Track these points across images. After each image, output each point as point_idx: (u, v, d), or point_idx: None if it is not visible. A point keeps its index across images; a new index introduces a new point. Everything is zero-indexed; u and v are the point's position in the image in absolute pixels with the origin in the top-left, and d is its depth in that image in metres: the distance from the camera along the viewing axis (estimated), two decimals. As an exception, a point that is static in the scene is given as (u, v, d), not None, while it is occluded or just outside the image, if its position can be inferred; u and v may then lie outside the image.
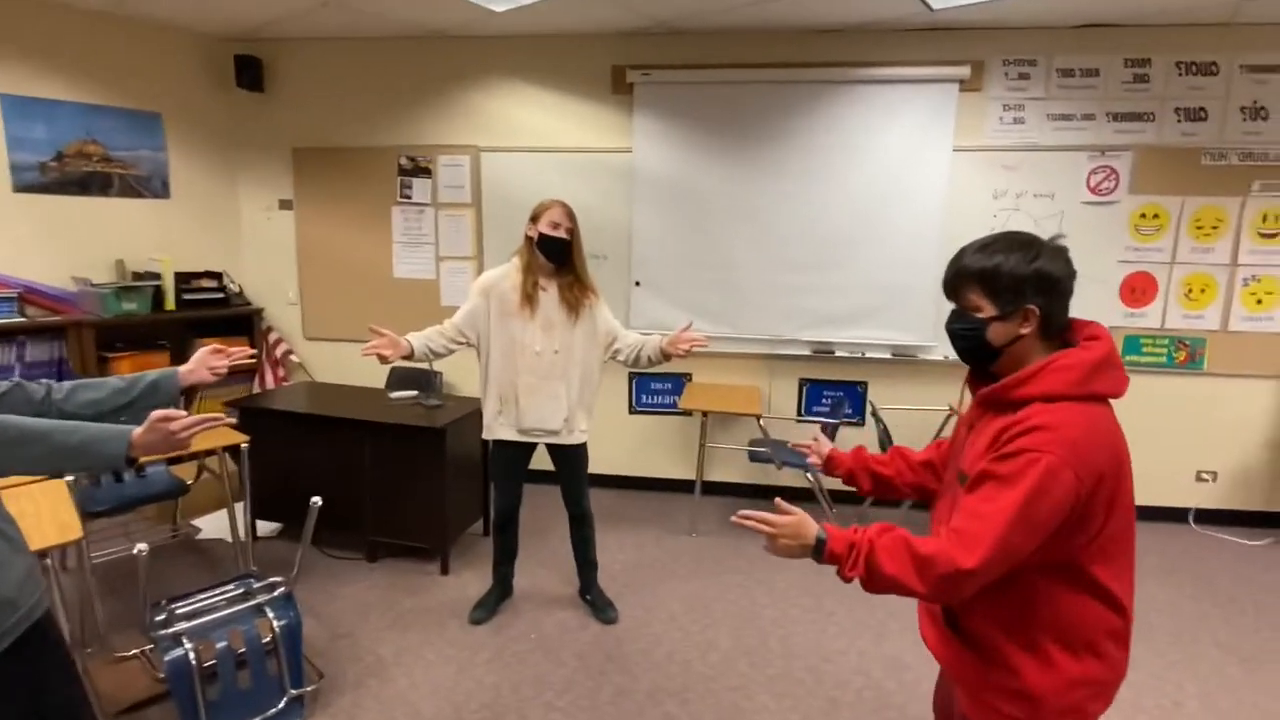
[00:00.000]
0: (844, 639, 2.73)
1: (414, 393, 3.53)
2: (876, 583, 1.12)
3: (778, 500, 1.22)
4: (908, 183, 3.66)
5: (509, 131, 3.99)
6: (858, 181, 3.71)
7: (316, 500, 2.17)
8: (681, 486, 4.10)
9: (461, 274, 4.18)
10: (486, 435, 2.62)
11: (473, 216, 4.11)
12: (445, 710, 2.28)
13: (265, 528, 3.54)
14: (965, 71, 3.54)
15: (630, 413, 4.18)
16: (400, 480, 3.17)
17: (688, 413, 4.00)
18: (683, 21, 3.56)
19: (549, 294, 2.50)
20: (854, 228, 3.74)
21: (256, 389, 4.18)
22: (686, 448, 4.12)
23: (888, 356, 3.85)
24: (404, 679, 2.44)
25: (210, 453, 2.96)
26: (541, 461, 2.70)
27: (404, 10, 3.50)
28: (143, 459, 1.22)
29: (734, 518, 1.22)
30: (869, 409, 3.90)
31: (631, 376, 4.12)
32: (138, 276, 3.75)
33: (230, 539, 3.13)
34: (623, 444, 4.18)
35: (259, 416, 3.32)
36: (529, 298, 2.48)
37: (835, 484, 4.03)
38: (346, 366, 4.30)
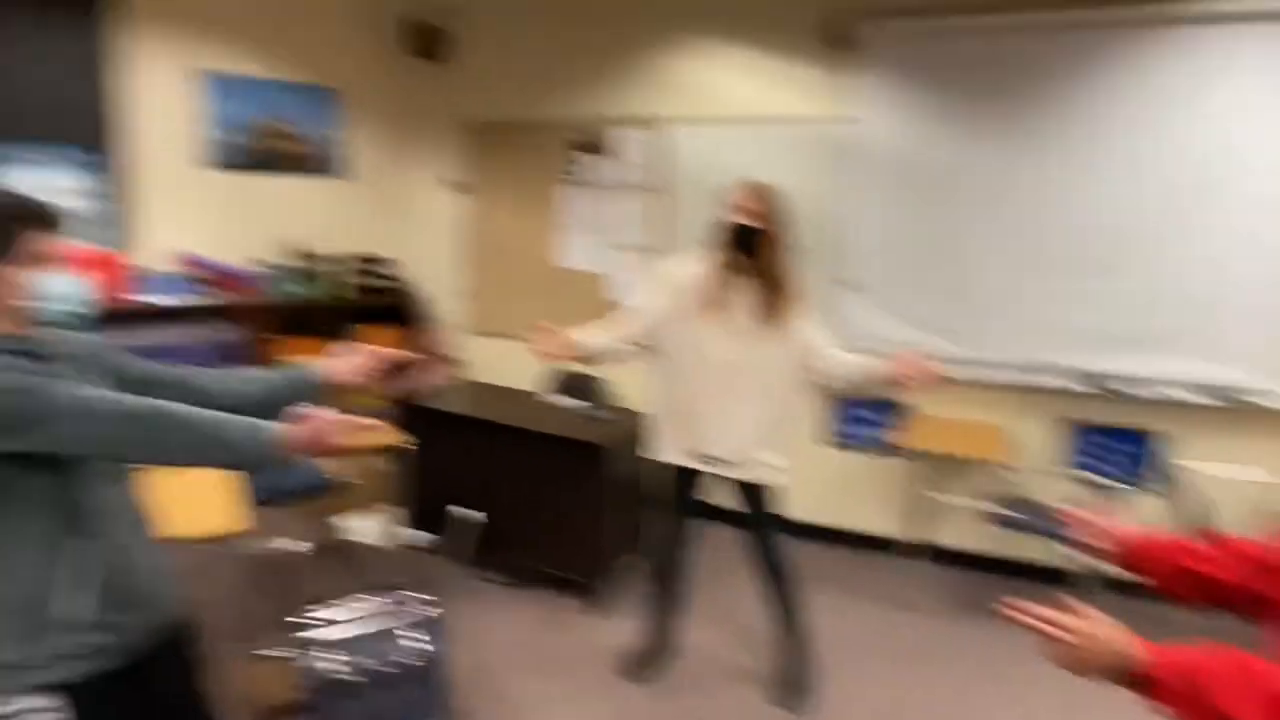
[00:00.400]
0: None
1: (575, 400, 3.69)
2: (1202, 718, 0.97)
3: (1068, 599, 1.10)
4: (1245, 159, 3.17)
5: (700, 99, 4.05)
6: (1168, 157, 3.27)
7: (473, 516, 2.34)
8: (888, 546, 3.88)
9: (634, 266, 4.31)
10: (654, 455, 2.65)
11: (648, 199, 4.23)
12: (591, 777, 2.34)
13: (419, 538, 3.88)
14: (1349, 1, 3.00)
15: (826, 444, 4.04)
16: (555, 499, 3.32)
17: (905, 452, 3.78)
18: (929, -44, 3.39)
19: (741, 294, 2.48)
20: (1157, 219, 3.31)
21: (416, 385, 4.61)
22: (899, 497, 3.90)
23: (1200, 400, 3.35)
24: (548, 730, 2.54)
25: (370, 450, 3.31)
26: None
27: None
28: (289, 457, 1.36)
29: (1004, 609, 1.10)
30: (1168, 471, 3.42)
31: (832, 398, 3.99)
32: (309, 259, 4.32)
33: (380, 545, 3.47)
34: (815, 483, 4.05)
35: (417, 416, 3.65)
36: (715, 297, 2.48)
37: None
38: (508, 366, 4.59)
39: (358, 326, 4.49)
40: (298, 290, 4.15)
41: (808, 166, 3.82)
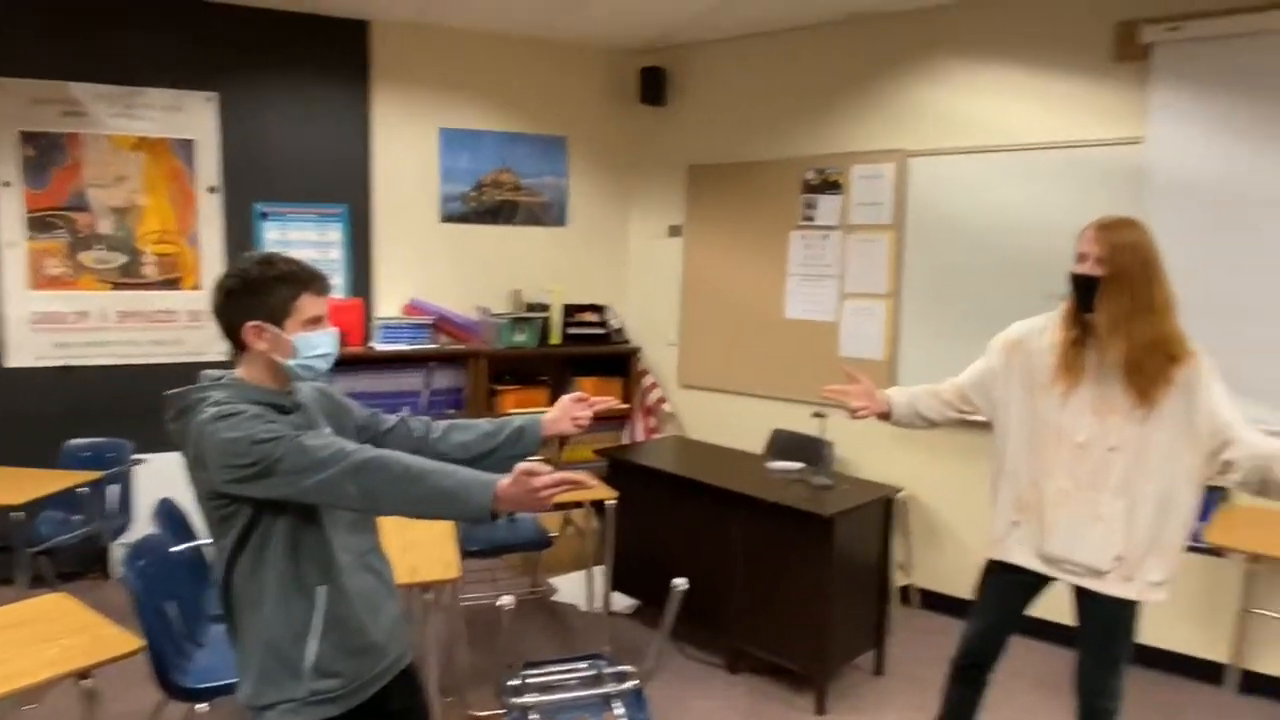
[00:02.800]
0: None
1: (799, 465, 3.60)
2: None
3: None
4: None
5: (949, 129, 3.89)
6: None
7: (680, 583, 2.33)
8: (1201, 671, 3.36)
9: (869, 316, 4.17)
10: (992, 553, 2.40)
11: (891, 241, 4.09)
12: None
13: (621, 602, 3.97)
14: None
15: (1112, 535, 3.59)
16: (775, 576, 3.23)
17: (1219, 553, 3.26)
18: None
19: (1107, 360, 2.16)
20: None
21: (626, 438, 4.77)
22: (1214, 610, 3.35)
23: None
24: (759, 841, 2.43)
25: (578, 505, 3.45)
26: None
27: (828, -9, 3.71)
28: (507, 511, 1.43)
29: None
30: None
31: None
32: (530, 307, 4.66)
33: (584, 607, 3.58)
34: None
35: (626, 471, 3.76)
36: (1069, 365, 2.21)
37: None
38: (720, 422, 4.63)
39: (574, 377, 4.77)
40: (520, 338, 4.47)
41: (1083, 198, 3.50)
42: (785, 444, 4.13)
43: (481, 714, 2.92)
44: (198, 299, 4.17)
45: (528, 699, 2.34)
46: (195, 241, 4.22)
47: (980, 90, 3.82)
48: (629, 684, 2.41)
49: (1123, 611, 2.22)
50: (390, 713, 1.70)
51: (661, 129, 4.87)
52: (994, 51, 3.76)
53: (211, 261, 4.21)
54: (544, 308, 4.64)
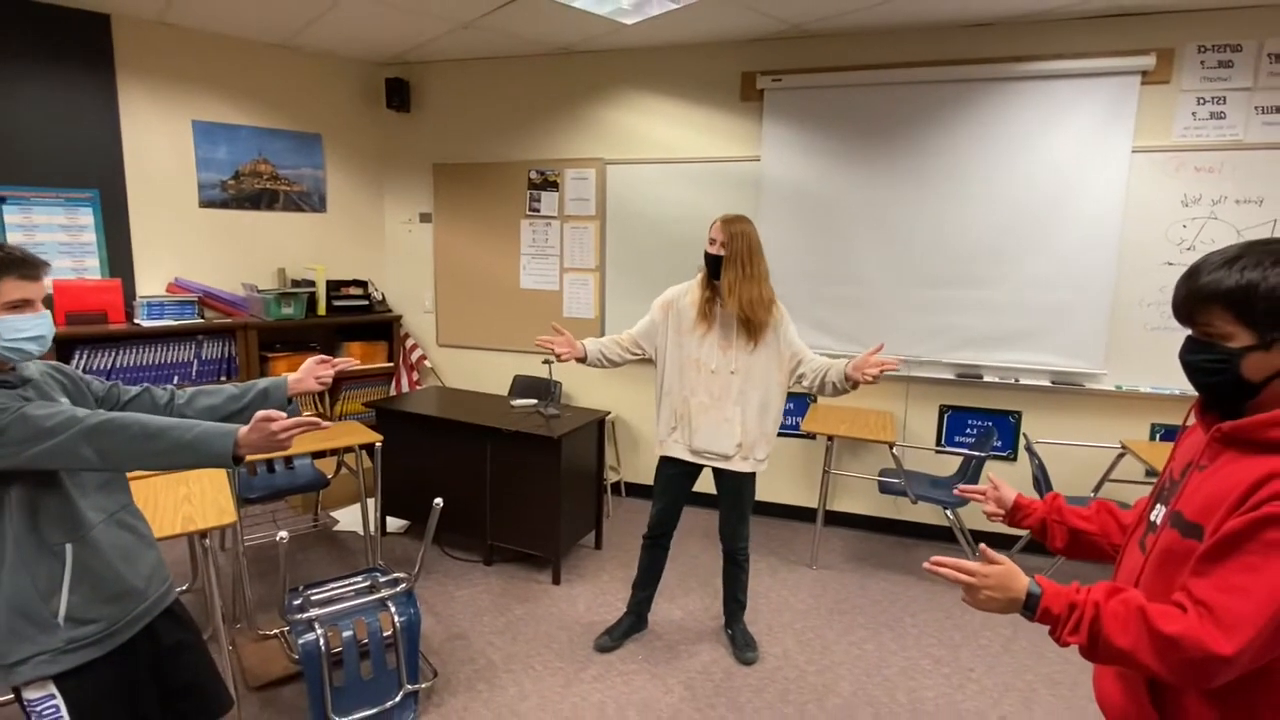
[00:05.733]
0: (983, 700, 2.50)
1: (534, 401, 3.68)
2: (1101, 654, 1.01)
3: (983, 547, 1.15)
4: (1075, 190, 3.34)
5: (635, 143, 4.09)
6: (1014, 189, 3.43)
7: (439, 501, 2.31)
8: (802, 514, 3.96)
9: (583, 286, 4.32)
10: (659, 451, 2.62)
11: (596, 229, 4.24)
12: (550, 723, 2.33)
13: (394, 524, 3.82)
14: (1149, 61, 3.18)
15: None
16: (518, 487, 3.30)
17: (811, 436, 3.87)
18: (816, 23, 3.48)
19: (729, 311, 2.45)
20: (1010, 240, 3.46)
21: (393, 392, 4.53)
22: (809, 474, 3.98)
23: (1046, 384, 3.51)
24: (513, 686, 2.52)
25: (349, 449, 3.24)
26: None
27: (537, 28, 3.69)
28: (251, 457, 1.33)
29: (926, 564, 1.15)
30: (1022, 443, 3.57)
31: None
32: (295, 284, 4.21)
33: (362, 532, 3.40)
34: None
35: (393, 418, 3.59)
36: (704, 315, 2.47)
37: (978, 524, 3.67)
38: (474, 373, 4.57)
39: (342, 343, 4.41)
40: (288, 311, 4.04)
41: (723, 198, 3.88)
42: (524, 386, 4.19)
43: (270, 632, 2.70)
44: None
45: (311, 613, 2.20)
46: (-85, 224, 3.27)
47: (655, 115, 4.04)
48: (400, 587, 2.36)
49: (745, 480, 2.58)
50: (162, 648, 1.52)
51: (408, 132, 4.58)
52: (663, 87, 3.99)
53: (-62, 244, 3.28)
54: (310, 284, 4.22)
